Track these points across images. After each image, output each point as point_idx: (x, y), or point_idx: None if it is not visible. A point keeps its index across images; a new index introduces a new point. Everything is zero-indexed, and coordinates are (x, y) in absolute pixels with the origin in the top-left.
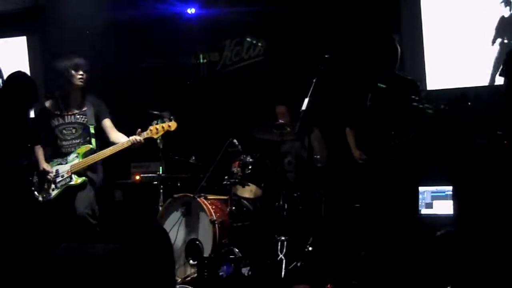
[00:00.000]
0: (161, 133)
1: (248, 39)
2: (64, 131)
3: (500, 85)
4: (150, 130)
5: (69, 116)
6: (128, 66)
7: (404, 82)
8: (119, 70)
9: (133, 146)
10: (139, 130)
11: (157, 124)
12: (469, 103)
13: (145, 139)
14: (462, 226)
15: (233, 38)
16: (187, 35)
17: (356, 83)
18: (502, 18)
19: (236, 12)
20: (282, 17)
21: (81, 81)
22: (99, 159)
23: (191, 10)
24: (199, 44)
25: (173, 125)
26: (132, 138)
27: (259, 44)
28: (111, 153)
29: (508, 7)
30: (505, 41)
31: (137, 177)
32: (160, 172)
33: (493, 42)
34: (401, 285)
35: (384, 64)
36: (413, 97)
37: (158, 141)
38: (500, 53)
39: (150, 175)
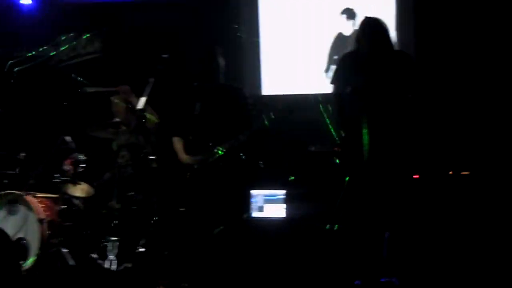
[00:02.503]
0: None
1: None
2: None
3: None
4: None
5: None
6: None
7: (231, 91)
8: None
9: None
10: None
11: None
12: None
13: None
14: (294, 228)
15: (70, 33)
16: (23, 27)
17: (185, 91)
18: (339, 36)
19: (74, 6)
20: (121, 12)
21: None
22: None
23: (26, 1)
24: (34, 37)
25: None
26: None
27: (97, 41)
28: None
29: (352, 21)
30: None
31: None
32: None
33: (329, 60)
34: (231, 286)
35: (207, 74)
36: (242, 104)
37: None
38: None
39: None
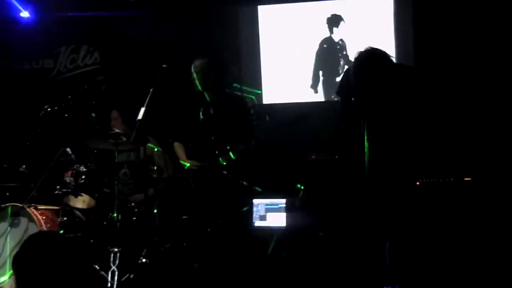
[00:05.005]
0: None
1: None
2: None
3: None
4: None
5: None
6: None
7: (236, 100)
8: None
9: None
10: None
11: None
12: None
13: None
14: (294, 237)
15: (68, 45)
16: (21, 39)
17: (188, 97)
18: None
19: (72, 18)
20: (120, 24)
21: None
22: None
23: (25, 14)
24: (33, 50)
25: None
26: None
27: (96, 53)
28: None
29: (335, 27)
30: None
31: None
32: None
33: (314, 76)
34: None
35: (213, 82)
36: (246, 113)
37: None
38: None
39: None
